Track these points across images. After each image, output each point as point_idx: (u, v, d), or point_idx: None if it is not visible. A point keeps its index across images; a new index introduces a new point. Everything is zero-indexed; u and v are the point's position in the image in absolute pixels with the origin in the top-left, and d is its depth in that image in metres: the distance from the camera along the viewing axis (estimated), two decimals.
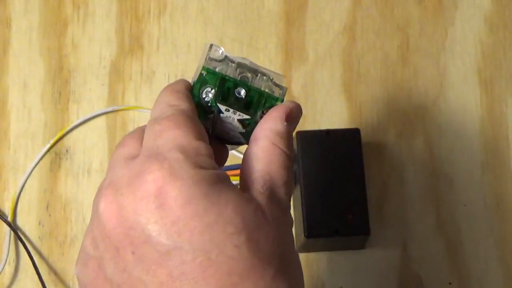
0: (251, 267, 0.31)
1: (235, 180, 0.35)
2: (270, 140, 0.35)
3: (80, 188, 0.62)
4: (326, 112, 0.63)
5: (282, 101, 0.38)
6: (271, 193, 0.34)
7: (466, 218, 0.60)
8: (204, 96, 0.38)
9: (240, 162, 0.36)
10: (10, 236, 0.60)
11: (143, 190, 0.31)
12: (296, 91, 0.64)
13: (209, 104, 0.38)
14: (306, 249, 0.58)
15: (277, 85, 0.38)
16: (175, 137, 0.33)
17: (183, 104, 0.35)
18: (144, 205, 0.31)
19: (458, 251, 0.59)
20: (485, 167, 0.61)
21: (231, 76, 0.38)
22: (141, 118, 0.64)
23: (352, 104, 0.63)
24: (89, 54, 0.65)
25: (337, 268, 0.59)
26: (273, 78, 0.39)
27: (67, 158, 0.63)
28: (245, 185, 0.34)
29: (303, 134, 0.56)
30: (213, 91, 0.37)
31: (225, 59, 0.38)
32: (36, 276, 0.58)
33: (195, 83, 0.38)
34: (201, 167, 0.32)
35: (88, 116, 0.64)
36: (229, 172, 0.35)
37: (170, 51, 0.65)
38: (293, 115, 0.37)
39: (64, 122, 0.64)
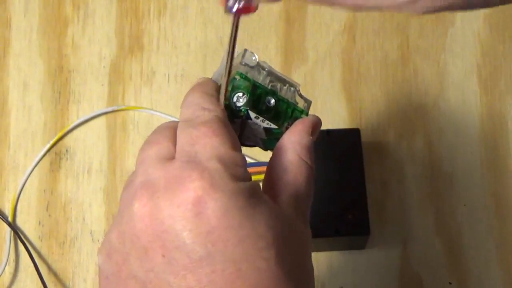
0: (277, 280, 0.32)
1: (257, 177, 0.36)
2: (298, 154, 0.36)
3: (80, 188, 0.62)
4: (326, 112, 0.63)
5: (307, 114, 0.39)
6: (297, 206, 0.35)
7: (466, 218, 0.60)
8: (235, 100, 0.38)
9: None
10: (10, 236, 0.60)
11: (182, 197, 0.31)
12: None
13: (240, 109, 0.37)
14: None
15: (302, 97, 0.39)
16: (214, 146, 0.33)
17: (217, 109, 0.36)
18: (182, 212, 0.31)
19: (458, 251, 0.59)
20: (485, 167, 0.61)
21: (262, 84, 0.38)
22: (141, 118, 0.64)
23: (352, 104, 0.63)
24: (89, 54, 0.65)
25: (337, 268, 0.59)
26: (299, 90, 0.39)
27: (67, 158, 0.63)
28: (271, 192, 0.35)
29: None
30: (244, 96, 0.37)
31: (257, 66, 0.38)
32: (36, 276, 0.58)
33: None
34: (239, 178, 0.32)
35: (88, 116, 0.64)
36: (252, 169, 0.36)
37: (170, 51, 0.65)
38: (317, 129, 0.38)
39: (64, 122, 0.64)
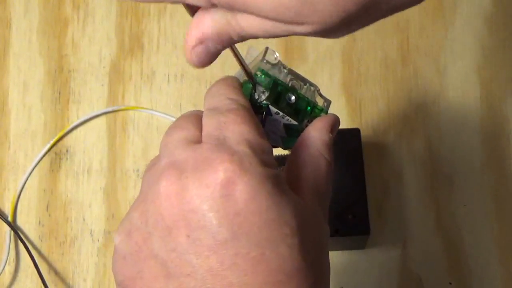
0: (298, 269, 0.32)
1: None
2: (319, 150, 0.37)
3: (80, 188, 0.62)
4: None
5: (326, 112, 0.40)
6: (318, 200, 0.35)
7: (466, 218, 0.60)
8: (256, 96, 0.38)
9: None
10: (10, 236, 0.60)
11: (210, 178, 0.31)
12: None
13: (261, 104, 0.38)
14: None
15: (322, 97, 0.40)
16: (243, 132, 0.33)
17: (243, 99, 0.36)
18: (210, 192, 0.31)
19: (458, 251, 0.59)
20: (485, 167, 0.61)
21: (283, 81, 0.39)
22: (141, 118, 0.64)
23: (352, 104, 0.63)
24: (89, 54, 0.65)
25: (337, 268, 0.59)
26: (319, 89, 0.40)
27: (67, 158, 0.63)
28: (293, 185, 0.35)
29: None
30: (265, 92, 0.38)
31: (278, 64, 0.39)
32: (36, 276, 0.58)
33: (246, 81, 0.38)
34: (267, 165, 0.33)
35: (88, 116, 0.64)
36: None
37: (170, 51, 0.65)
38: (336, 127, 0.39)
39: (64, 122, 0.64)
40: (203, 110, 0.36)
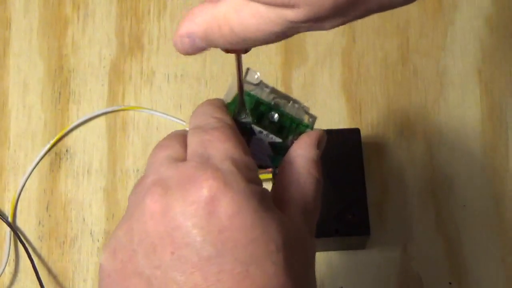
0: (283, 286, 0.32)
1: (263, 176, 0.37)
2: (306, 167, 0.37)
3: (80, 188, 0.62)
4: (326, 112, 0.63)
5: (312, 128, 0.40)
6: (305, 218, 0.35)
7: (466, 218, 0.60)
8: (240, 116, 0.38)
9: None
10: (10, 236, 0.60)
11: (195, 195, 0.31)
12: (296, 91, 0.64)
13: (244, 125, 0.38)
14: None
15: (307, 113, 0.40)
16: (227, 149, 0.34)
17: (227, 118, 0.36)
18: (194, 209, 0.31)
19: (458, 251, 0.59)
20: (485, 167, 0.61)
21: (266, 100, 0.39)
22: (141, 118, 0.64)
23: (352, 104, 0.63)
24: (89, 54, 0.65)
25: (337, 268, 0.59)
26: (303, 106, 0.40)
27: (67, 158, 0.63)
28: (279, 204, 0.35)
29: None
30: (248, 112, 0.38)
31: (260, 84, 0.39)
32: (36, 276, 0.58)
33: (229, 103, 0.39)
34: (251, 181, 0.33)
35: (88, 116, 0.64)
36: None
37: (170, 51, 0.65)
38: (323, 142, 0.39)
39: (64, 122, 0.64)
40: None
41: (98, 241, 0.61)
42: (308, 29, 0.30)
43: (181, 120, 0.63)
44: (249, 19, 0.30)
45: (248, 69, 0.39)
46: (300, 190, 0.36)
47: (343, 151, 0.56)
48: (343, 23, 0.30)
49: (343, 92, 0.64)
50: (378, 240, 0.59)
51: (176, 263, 0.31)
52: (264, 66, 0.64)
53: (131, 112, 0.64)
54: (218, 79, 0.64)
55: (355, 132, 0.57)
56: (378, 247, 0.59)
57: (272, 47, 0.65)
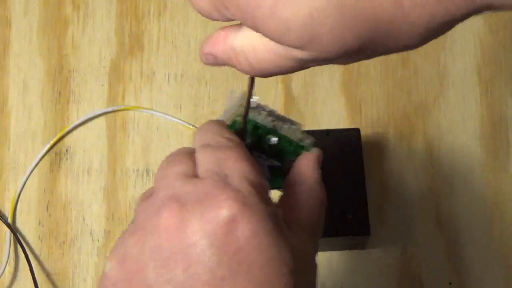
0: None
1: None
2: (313, 190, 0.37)
3: (80, 188, 0.62)
4: (326, 112, 0.63)
5: (309, 150, 0.40)
6: (310, 240, 0.36)
7: (466, 218, 0.60)
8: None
9: None
10: (10, 237, 0.60)
11: (213, 213, 0.31)
12: (296, 91, 0.64)
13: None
14: None
15: (304, 134, 0.40)
16: (243, 169, 0.34)
17: (235, 137, 0.36)
18: (212, 228, 0.31)
19: (458, 251, 0.59)
20: (484, 167, 0.61)
21: (263, 124, 0.39)
22: (141, 118, 0.64)
23: (352, 104, 0.63)
24: (89, 54, 0.65)
25: (337, 268, 0.59)
26: (300, 127, 0.40)
27: (67, 158, 0.63)
28: (287, 225, 0.35)
29: None
30: (249, 135, 0.38)
31: (257, 107, 0.39)
32: (36, 276, 0.58)
33: (229, 126, 0.38)
34: (267, 203, 0.33)
35: (88, 116, 0.64)
36: None
37: (170, 51, 0.65)
38: (321, 162, 0.39)
39: (64, 122, 0.64)
40: (192, 147, 0.36)
41: (98, 241, 0.61)
42: (318, 65, 0.32)
43: (181, 120, 0.63)
44: (264, 53, 0.31)
45: (245, 92, 0.39)
46: (307, 212, 0.37)
47: (343, 151, 0.56)
48: (354, 62, 0.32)
49: (343, 92, 0.64)
50: (378, 240, 0.59)
51: (188, 279, 0.31)
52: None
53: (131, 112, 0.64)
54: (218, 79, 0.64)
55: (355, 132, 0.57)
56: (378, 247, 0.59)
57: None
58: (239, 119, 0.38)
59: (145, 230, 0.33)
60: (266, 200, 0.33)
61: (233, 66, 0.33)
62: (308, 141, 0.40)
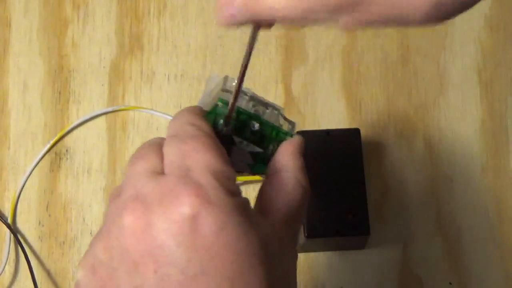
0: None
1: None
2: (293, 177, 0.36)
3: (80, 188, 0.62)
4: (326, 112, 0.63)
5: (291, 136, 0.39)
6: (289, 227, 0.35)
7: (466, 218, 0.60)
8: (219, 127, 0.37)
9: None
10: (10, 236, 0.60)
11: (177, 212, 0.31)
12: (296, 91, 0.64)
13: (224, 136, 0.37)
14: (306, 249, 0.58)
15: (286, 119, 0.39)
16: (206, 161, 0.33)
17: (204, 125, 0.35)
18: (178, 227, 0.31)
19: (458, 251, 0.59)
20: (485, 167, 0.61)
21: (245, 109, 0.38)
22: (141, 118, 0.64)
23: (352, 104, 0.63)
24: (89, 54, 0.65)
25: (337, 268, 0.59)
26: (282, 112, 0.39)
27: (67, 158, 0.63)
28: (264, 211, 0.35)
29: (303, 134, 0.56)
30: (232, 120, 0.37)
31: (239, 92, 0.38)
32: (36, 276, 0.58)
33: (208, 112, 0.38)
34: (232, 193, 0.32)
35: (88, 116, 0.64)
36: None
37: (170, 51, 0.65)
38: (303, 149, 0.38)
39: (64, 122, 0.64)
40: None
41: None
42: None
43: None
44: None
45: (226, 76, 0.38)
46: (286, 198, 0.36)
47: (343, 151, 0.56)
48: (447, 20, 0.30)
49: (343, 92, 0.64)
50: (378, 240, 0.59)
51: (159, 282, 0.31)
52: (264, 66, 0.64)
53: (131, 112, 0.64)
54: None
55: (355, 132, 0.57)
56: (378, 247, 0.59)
57: (272, 47, 0.65)
58: (220, 104, 0.37)
59: (111, 235, 0.32)
60: (232, 191, 0.32)
61: (255, 16, 0.31)
62: (290, 126, 0.39)
